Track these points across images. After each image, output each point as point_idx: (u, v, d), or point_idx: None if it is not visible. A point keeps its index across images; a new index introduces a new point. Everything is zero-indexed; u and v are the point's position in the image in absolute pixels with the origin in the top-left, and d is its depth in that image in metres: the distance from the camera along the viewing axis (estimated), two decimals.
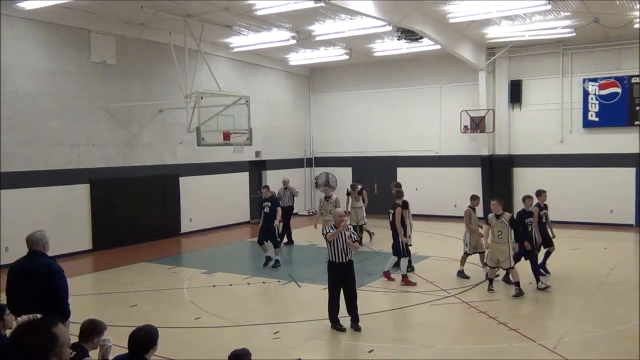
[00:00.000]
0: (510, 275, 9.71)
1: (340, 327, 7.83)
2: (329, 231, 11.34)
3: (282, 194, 15.00)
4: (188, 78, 13.89)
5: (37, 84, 12.86)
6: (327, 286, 10.27)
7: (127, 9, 13.08)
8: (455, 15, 13.70)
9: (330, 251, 7.88)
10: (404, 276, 10.46)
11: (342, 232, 7.80)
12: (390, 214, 10.66)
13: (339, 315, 7.91)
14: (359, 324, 7.84)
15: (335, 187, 13.58)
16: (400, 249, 10.47)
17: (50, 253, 6.23)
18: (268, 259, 12.20)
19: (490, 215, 9.79)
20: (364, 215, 14.30)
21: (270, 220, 12.19)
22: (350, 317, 7.86)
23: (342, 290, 7.88)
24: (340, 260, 7.81)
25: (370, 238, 14.58)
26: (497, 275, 10.20)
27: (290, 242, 14.87)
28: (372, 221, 15.17)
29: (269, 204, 12.33)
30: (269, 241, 12.24)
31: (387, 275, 10.75)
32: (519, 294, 9.35)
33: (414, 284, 10.36)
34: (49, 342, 2.37)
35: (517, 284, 9.43)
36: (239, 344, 4.71)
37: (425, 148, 19.89)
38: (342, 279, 7.87)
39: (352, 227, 14.03)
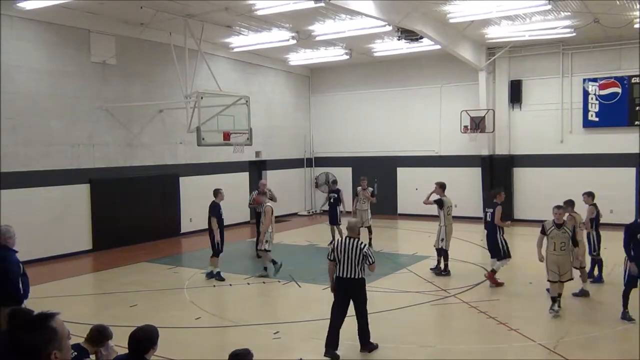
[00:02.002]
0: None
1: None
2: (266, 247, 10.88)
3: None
4: (188, 78, 13.89)
5: (37, 84, 12.86)
6: (327, 286, 10.33)
7: (127, 9, 13.09)
8: (455, 15, 13.69)
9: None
10: (493, 272, 10.11)
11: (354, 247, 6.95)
12: (488, 213, 10.34)
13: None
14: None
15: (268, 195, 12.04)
16: (500, 249, 10.12)
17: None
18: (210, 274, 11.18)
19: (549, 224, 8.59)
20: (369, 217, 14.19)
21: (209, 227, 11.22)
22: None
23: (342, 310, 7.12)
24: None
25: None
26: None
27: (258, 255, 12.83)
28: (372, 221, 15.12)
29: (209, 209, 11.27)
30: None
31: (492, 278, 10.06)
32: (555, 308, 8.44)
33: (502, 284, 10.02)
34: (48, 337, 2.38)
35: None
36: (239, 344, 4.71)
37: (425, 148, 19.89)
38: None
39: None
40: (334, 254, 6.94)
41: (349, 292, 6.98)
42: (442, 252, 11.21)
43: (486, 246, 10.67)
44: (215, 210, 11.12)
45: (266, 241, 11.10)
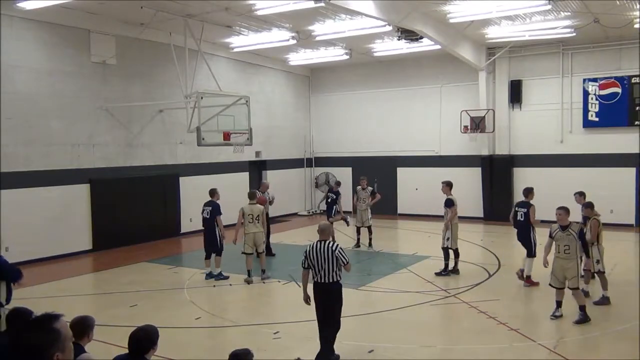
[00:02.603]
0: (576, 297, 8.15)
1: None
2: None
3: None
4: (188, 78, 13.89)
5: (37, 84, 12.87)
6: None
7: (127, 9, 13.09)
8: (455, 15, 13.69)
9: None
10: (529, 277, 10.18)
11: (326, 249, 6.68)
12: (520, 212, 10.36)
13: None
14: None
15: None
16: (532, 248, 10.19)
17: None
18: (210, 275, 11.12)
19: (555, 227, 8.25)
20: (369, 216, 14.14)
21: (209, 227, 11.11)
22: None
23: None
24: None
25: (347, 224, 14.30)
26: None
27: (270, 254, 12.92)
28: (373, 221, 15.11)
29: (210, 208, 11.10)
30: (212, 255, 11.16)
31: (530, 281, 10.13)
32: (583, 319, 8.03)
33: (537, 284, 9.98)
34: (51, 338, 2.37)
35: (583, 307, 8.13)
36: (239, 344, 4.71)
37: (425, 148, 19.89)
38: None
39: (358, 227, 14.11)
40: (308, 261, 6.67)
41: (326, 297, 6.70)
42: (454, 252, 11.14)
43: (521, 243, 10.52)
44: (219, 210, 11.10)
45: (244, 243, 11.01)
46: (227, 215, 12.86)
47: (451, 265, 11.17)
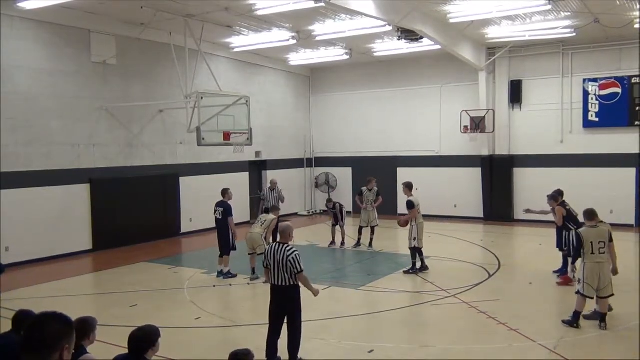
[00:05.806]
0: (599, 306, 7.88)
1: None
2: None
3: (268, 195, 14.34)
4: (188, 78, 13.90)
5: (37, 84, 12.87)
6: (327, 286, 10.34)
7: (127, 9, 13.09)
8: (455, 15, 13.69)
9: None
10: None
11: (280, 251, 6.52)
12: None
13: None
14: None
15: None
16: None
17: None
18: (220, 273, 11.25)
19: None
20: (376, 216, 14.09)
21: (222, 228, 11.18)
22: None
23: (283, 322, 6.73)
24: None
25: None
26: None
27: None
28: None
29: (222, 209, 11.14)
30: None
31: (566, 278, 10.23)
32: (571, 323, 7.89)
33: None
34: (67, 330, 2.48)
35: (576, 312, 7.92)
36: (239, 344, 4.72)
37: (425, 148, 19.90)
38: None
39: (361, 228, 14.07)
40: (267, 260, 6.56)
41: (280, 300, 6.57)
42: (417, 251, 11.24)
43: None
44: (231, 210, 11.19)
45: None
46: None
47: (419, 264, 11.30)
